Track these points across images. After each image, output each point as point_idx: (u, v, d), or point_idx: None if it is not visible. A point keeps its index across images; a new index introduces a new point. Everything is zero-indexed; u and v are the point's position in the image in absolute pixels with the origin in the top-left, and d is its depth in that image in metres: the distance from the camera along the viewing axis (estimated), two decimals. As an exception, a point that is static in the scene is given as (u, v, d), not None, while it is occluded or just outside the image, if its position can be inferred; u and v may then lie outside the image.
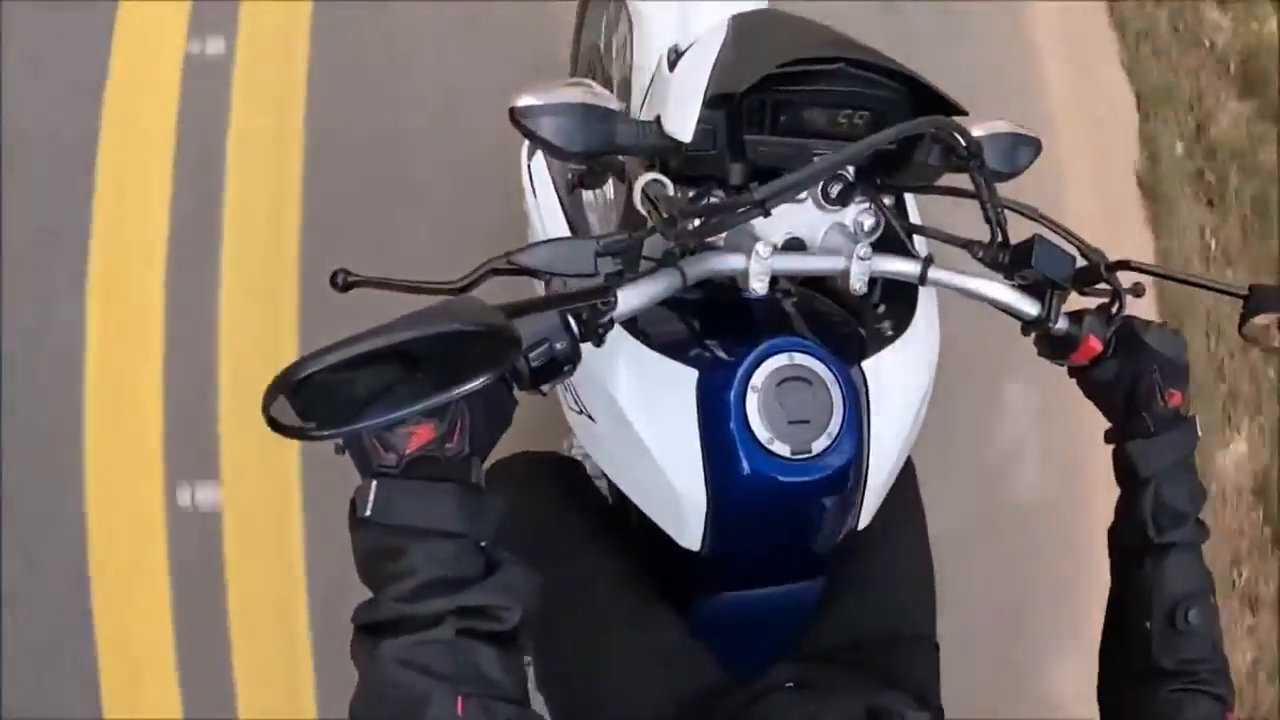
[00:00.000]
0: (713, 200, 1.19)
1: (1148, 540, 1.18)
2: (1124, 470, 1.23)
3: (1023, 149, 1.30)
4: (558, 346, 0.95)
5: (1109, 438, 1.25)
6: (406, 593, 0.84)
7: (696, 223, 1.09)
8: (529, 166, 1.58)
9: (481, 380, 0.81)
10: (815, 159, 1.12)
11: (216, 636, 2.41)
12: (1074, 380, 1.29)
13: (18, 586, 2.36)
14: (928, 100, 1.19)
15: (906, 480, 1.47)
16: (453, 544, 0.86)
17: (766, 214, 1.08)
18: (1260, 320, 1.21)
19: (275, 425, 0.77)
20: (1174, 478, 1.20)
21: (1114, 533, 1.24)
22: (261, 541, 2.49)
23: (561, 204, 1.50)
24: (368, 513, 0.85)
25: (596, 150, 1.15)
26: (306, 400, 0.78)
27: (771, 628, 1.37)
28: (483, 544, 0.89)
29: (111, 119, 2.70)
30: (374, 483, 0.86)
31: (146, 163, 2.69)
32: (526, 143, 1.57)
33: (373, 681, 0.84)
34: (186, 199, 2.67)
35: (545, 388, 0.99)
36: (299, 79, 2.81)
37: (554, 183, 1.52)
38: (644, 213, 1.16)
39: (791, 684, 1.19)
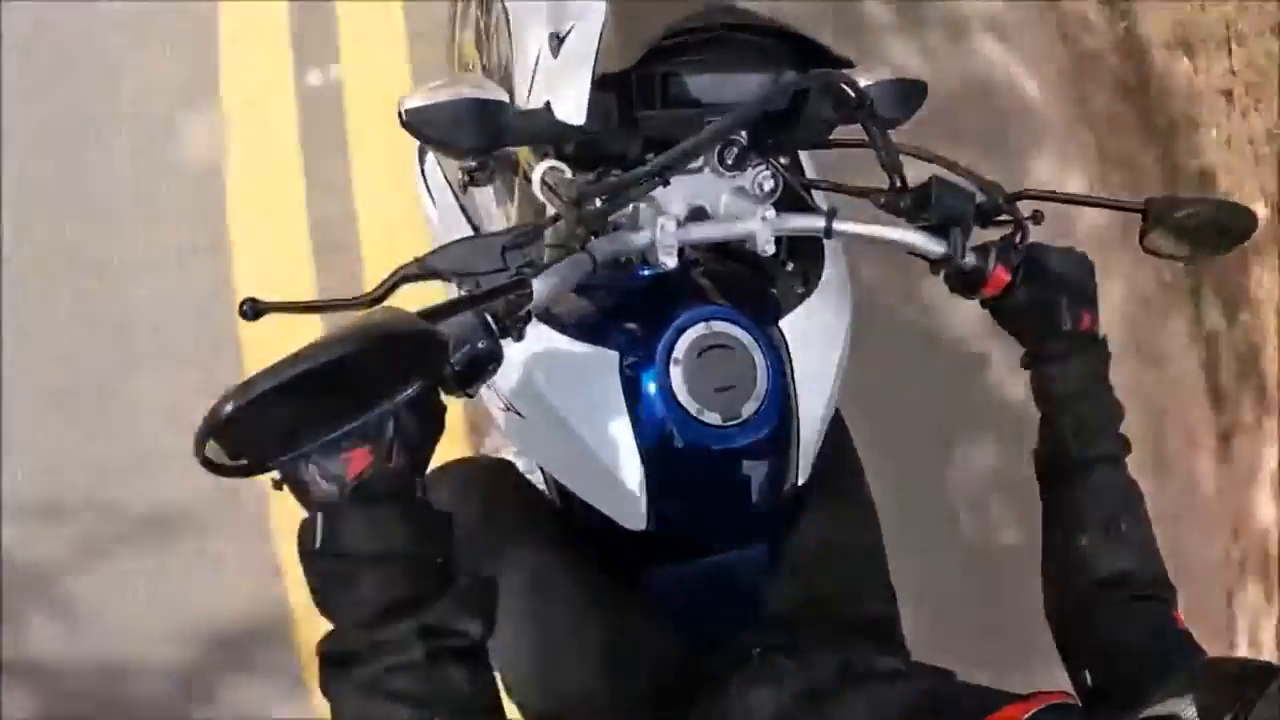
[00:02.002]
0: (611, 179, 1.19)
1: (1071, 460, 1.21)
2: (1041, 394, 1.25)
3: (910, 94, 1.32)
4: (479, 346, 0.94)
5: (1024, 363, 1.27)
6: (368, 619, 0.82)
7: (599, 203, 1.09)
8: (423, 172, 1.56)
9: (415, 388, 0.80)
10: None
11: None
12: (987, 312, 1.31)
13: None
14: (813, 56, 1.20)
15: (839, 432, 1.48)
16: (407, 564, 0.85)
17: (666, 183, 1.08)
18: (1160, 232, 1.24)
19: (212, 467, 0.75)
20: (1091, 396, 1.22)
21: (1039, 456, 1.26)
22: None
23: (460, 205, 1.49)
24: (317, 544, 0.83)
25: (491, 144, 1.14)
26: (236, 440, 0.76)
27: (728, 596, 1.37)
28: (438, 560, 0.88)
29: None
30: (319, 514, 0.84)
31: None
32: (416, 148, 1.55)
33: (345, 714, 0.82)
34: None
35: (471, 389, 0.98)
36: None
37: (449, 184, 1.51)
38: (545, 200, 1.15)
39: (759, 649, 1.20)
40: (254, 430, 0.76)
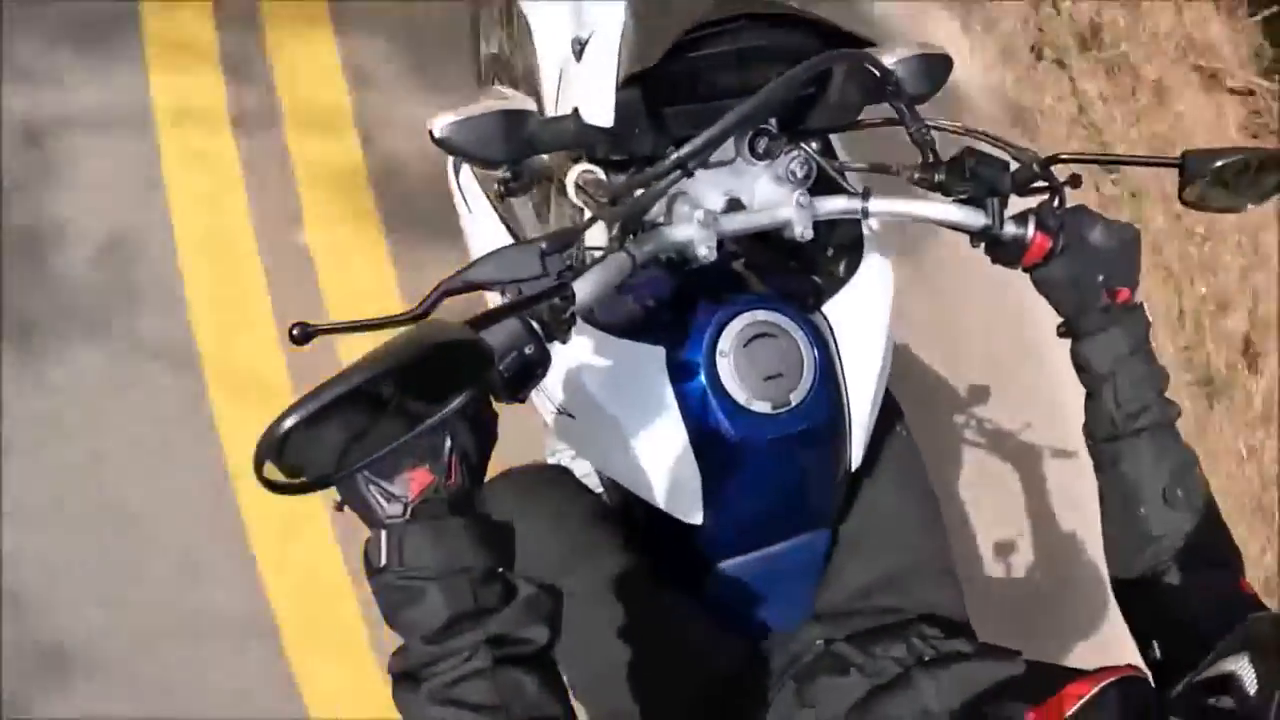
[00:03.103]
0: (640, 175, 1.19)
1: (1119, 431, 1.20)
2: (1082, 366, 1.24)
3: (935, 68, 1.31)
4: (527, 351, 0.95)
5: (1060, 332, 1.27)
6: (435, 632, 0.84)
7: (633, 200, 1.10)
8: (458, 183, 1.57)
9: (465, 396, 0.81)
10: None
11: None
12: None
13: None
14: (836, 40, 1.20)
15: (891, 415, 1.48)
16: (471, 577, 0.86)
17: (690, 174, 1.09)
18: (1198, 185, 1.23)
19: (271, 486, 0.77)
20: (1131, 366, 1.21)
21: (1087, 430, 1.25)
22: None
23: (498, 213, 1.50)
24: (383, 562, 0.85)
25: (522, 153, 1.15)
26: (293, 457, 0.78)
27: (788, 585, 1.37)
28: (500, 570, 0.89)
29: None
30: (383, 532, 0.85)
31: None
32: (451, 160, 1.57)
33: None
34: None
35: (522, 395, 0.99)
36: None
37: (486, 194, 1.52)
38: (580, 204, 1.16)
39: (824, 640, 1.20)
40: (310, 447, 0.78)
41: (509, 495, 1.42)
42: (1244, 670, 0.78)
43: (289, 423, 0.74)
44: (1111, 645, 1.25)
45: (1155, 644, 1.13)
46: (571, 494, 1.50)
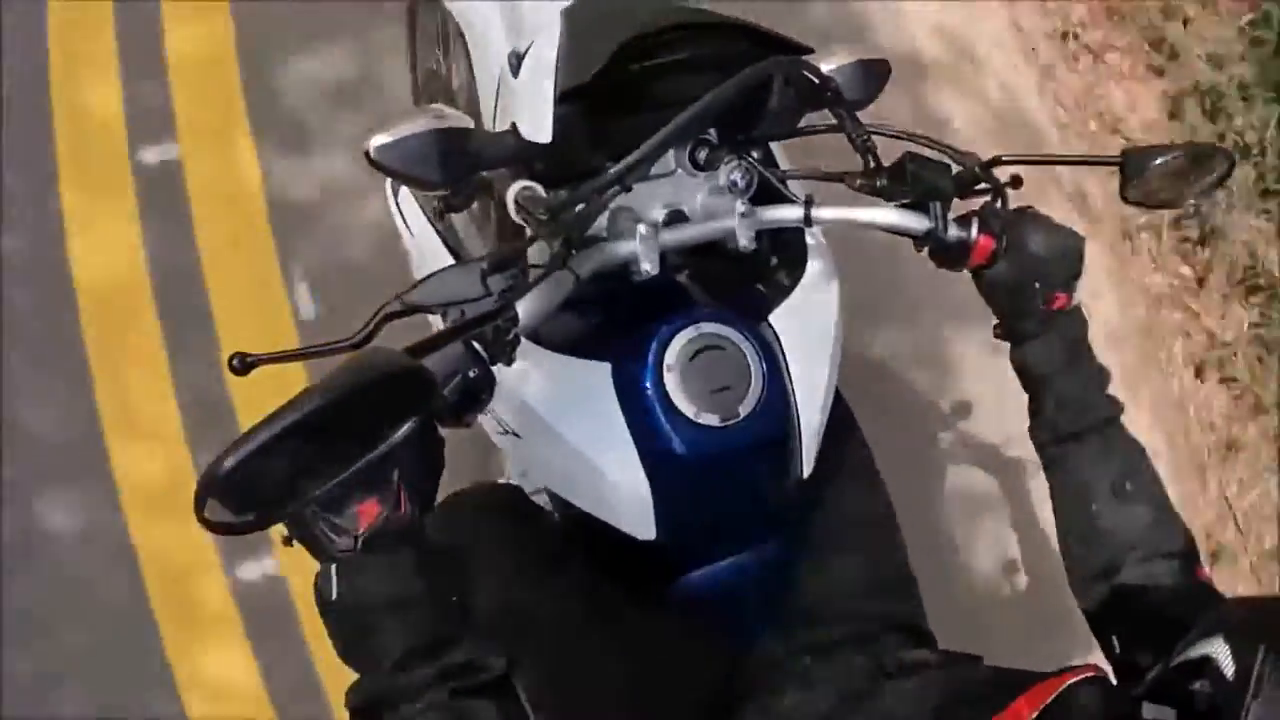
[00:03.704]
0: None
1: (1064, 432, 1.20)
2: (1021, 371, 1.24)
3: (874, 74, 1.32)
4: (470, 375, 0.94)
5: (996, 334, 1.26)
6: (391, 665, 0.83)
7: (574, 216, 1.09)
8: (397, 204, 1.55)
9: (409, 426, 0.80)
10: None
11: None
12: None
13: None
14: (775, 48, 1.20)
15: (843, 421, 1.47)
16: (424, 609, 0.85)
17: (628, 189, 1.08)
18: (1140, 182, 1.23)
19: (212, 527, 0.75)
20: (1070, 368, 1.21)
21: (1033, 434, 1.25)
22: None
23: (439, 233, 1.48)
24: (334, 596, 0.83)
25: (461, 173, 1.13)
26: (236, 496, 0.76)
27: (748, 596, 1.36)
28: (453, 598, 0.87)
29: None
30: (334, 566, 0.84)
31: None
32: (389, 181, 1.55)
33: None
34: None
35: (468, 419, 0.97)
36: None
37: (425, 214, 1.50)
38: (520, 221, 1.15)
39: (787, 654, 1.19)
40: (254, 485, 0.76)
41: (457, 517, 1.40)
42: (1220, 653, 0.78)
43: (230, 462, 0.73)
44: (1076, 646, 1.24)
45: (1116, 640, 1.13)
46: (523, 514, 1.49)
